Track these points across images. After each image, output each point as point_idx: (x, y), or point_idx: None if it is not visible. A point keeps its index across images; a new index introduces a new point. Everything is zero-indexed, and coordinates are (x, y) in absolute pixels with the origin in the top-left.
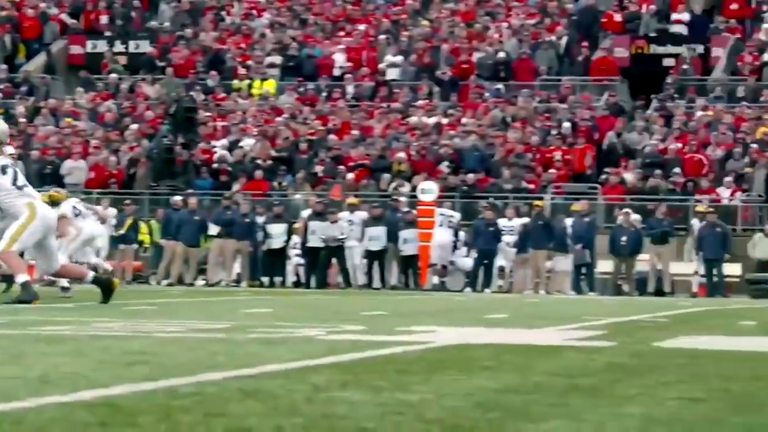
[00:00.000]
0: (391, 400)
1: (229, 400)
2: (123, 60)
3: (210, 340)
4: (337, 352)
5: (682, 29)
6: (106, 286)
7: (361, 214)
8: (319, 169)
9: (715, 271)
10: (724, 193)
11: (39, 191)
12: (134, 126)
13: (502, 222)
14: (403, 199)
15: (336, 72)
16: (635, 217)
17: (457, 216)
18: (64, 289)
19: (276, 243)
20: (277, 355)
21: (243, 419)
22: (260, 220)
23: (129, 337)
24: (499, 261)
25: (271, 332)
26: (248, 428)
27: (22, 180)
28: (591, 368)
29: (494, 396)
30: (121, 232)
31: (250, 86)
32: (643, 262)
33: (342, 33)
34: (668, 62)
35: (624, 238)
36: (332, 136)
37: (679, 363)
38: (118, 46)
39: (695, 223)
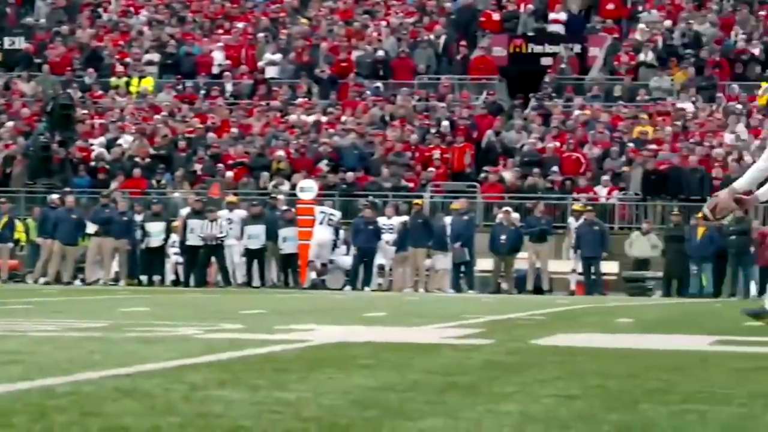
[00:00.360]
0: (269, 399)
1: (106, 399)
2: None
3: (87, 339)
4: (215, 351)
5: (559, 29)
6: None
7: (240, 213)
8: (197, 167)
9: (593, 269)
10: (601, 191)
11: None
12: (10, 123)
13: (381, 220)
14: (281, 197)
15: (215, 70)
16: (515, 215)
17: (338, 214)
18: None
19: (155, 241)
20: (154, 354)
21: (119, 418)
22: (138, 218)
23: (4, 337)
24: (379, 259)
25: (148, 331)
26: (124, 427)
27: None
28: (468, 366)
29: (372, 394)
30: None
31: (128, 84)
32: (521, 261)
33: (220, 31)
34: (546, 61)
35: (503, 237)
36: (211, 134)
37: (556, 360)
38: None
39: (572, 222)
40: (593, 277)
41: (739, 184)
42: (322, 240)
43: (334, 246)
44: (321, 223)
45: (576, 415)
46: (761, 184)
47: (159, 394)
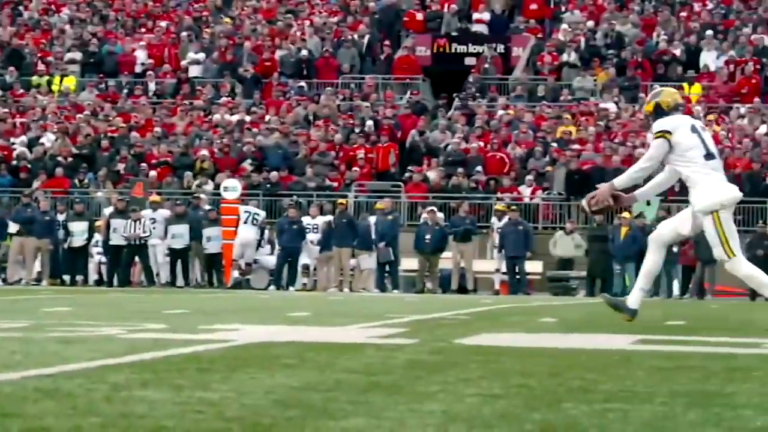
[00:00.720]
0: (192, 399)
1: (26, 399)
2: None
3: (8, 339)
4: (138, 351)
5: (483, 29)
6: None
7: (164, 212)
8: (121, 166)
9: (517, 269)
10: (525, 191)
11: None
12: None
13: (306, 220)
14: (203, 196)
15: (137, 69)
16: (439, 215)
17: (262, 214)
18: None
19: (77, 241)
20: (76, 354)
21: (40, 419)
22: (61, 217)
23: None
24: (303, 259)
25: (71, 331)
26: (45, 428)
27: None
28: (392, 366)
29: (295, 394)
30: None
31: (49, 83)
32: (446, 260)
33: (143, 30)
34: (470, 61)
35: (428, 236)
36: (134, 134)
37: (480, 360)
38: None
39: (495, 222)
40: (517, 276)
41: (619, 181)
42: (246, 239)
43: (259, 245)
44: (245, 223)
45: (499, 415)
46: (647, 180)
47: (81, 395)
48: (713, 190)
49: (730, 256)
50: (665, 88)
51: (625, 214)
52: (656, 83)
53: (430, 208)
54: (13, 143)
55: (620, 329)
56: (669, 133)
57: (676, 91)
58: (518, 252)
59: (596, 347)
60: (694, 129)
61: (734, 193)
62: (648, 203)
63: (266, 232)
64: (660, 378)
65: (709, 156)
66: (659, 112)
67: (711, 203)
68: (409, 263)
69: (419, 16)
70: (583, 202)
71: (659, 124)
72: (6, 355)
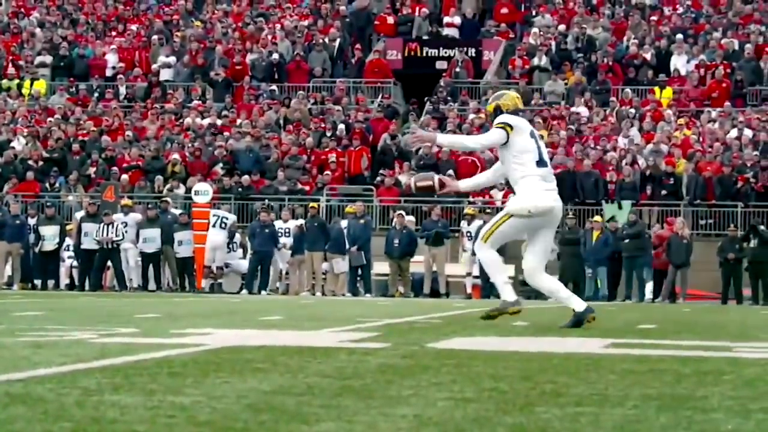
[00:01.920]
0: (163, 403)
1: None
2: None
3: None
4: (110, 356)
5: (454, 32)
6: None
7: (136, 216)
8: (91, 170)
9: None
10: (497, 195)
11: None
12: None
13: (277, 224)
14: (170, 200)
15: (108, 72)
16: (409, 218)
17: (231, 217)
18: None
19: (48, 245)
20: (47, 358)
21: (11, 424)
22: (32, 221)
23: None
24: (275, 263)
25: (41, 335)
26: None
27: None
28: (364, 369)
29: (266, 398)
30: None
31: (19, 86)
32: (418, 264)
33: (114, 33)
34: (441, 65)
35: (397, 240)
36: (105, 137)
37: (452, 364)
38: None
39: (464, 225)
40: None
41: (444, 138)
42: (215, 243)
43: (229, 249)
44: (214, 226)
45: (471, 418)
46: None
47: (52, 400)
48: (530, 196)
49: (483, 240)
50: (508, 92)
51: (597, 218)
52: (627, 87)
53: (398, 212)
54: None
55: (592, 333)
56: (511, 128)
57: (517, 96)
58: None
59: (568, 351)
60: (532, 134)
61: (548, 203)
62: (620, 207)
63: (237, 235)
64: (631, 381)
65: (541, 163)
66: (498, 113)
67: (521, 208)
68: (381, 267)
69: (390, 19)
70: (411, 180)
71: (504, 117)
72: None
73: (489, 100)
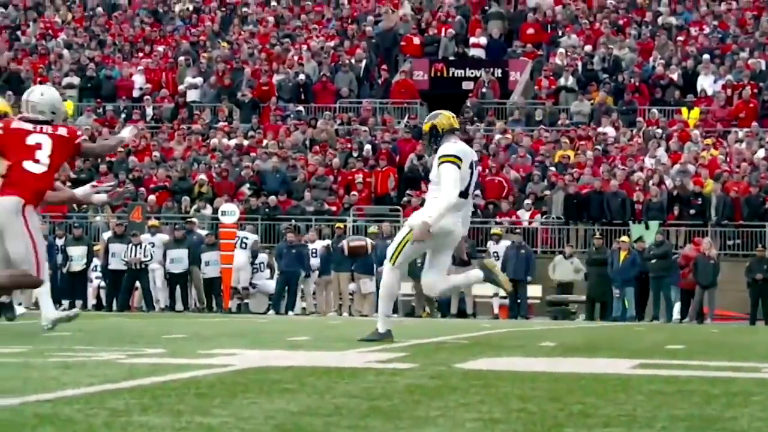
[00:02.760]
0: (191, 424)
1: (25, 425)
2: None
3: (6, 365)
4: (137, 376)
5: (480, 53)
6: None
7: (163, 237)
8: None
9: (518, 293)
10: (524, 215)
11: None
12: None
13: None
14: (196, 221)
15: (135, 93)
16: None
17: (252, 237)
18: None
19: (76, 265)
20: (75, 379)
21: None
22: (60, 242)
23: None
24: (302, 283)
25: (70, 356)
26: None
27: None
28: (391, 390)
29: (294, 419)
30: None
31: None
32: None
33: (141, 54)
34: (467, 85)
35: (419, 261)
36: (132, 158)
37: (480, 384)
38: None
39: (491, 245)
40: (518, 300)
41: (434, 220)
42: (238, 263)
43: (254, 269)
44: (236, 247)
45: None
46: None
47: (80, 420)
48: (431, 218)
49: (392, 262)
50: (444, 111)
51: (624, 239)
52: (654, 107)
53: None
54: None
55: (620, 353)
56: (459, 159)
57: (453, 116)
58: (520, 276)
59: (596, 371)
60: (471, 165)
61: (450, 228)
62: (647, 227)
63: (264, 255)
64: (660, 402)
65: (464, 194)
66: (434, 133)
67: (421, 224)
68: (407, 287)
69: (416, 40)
70: (344, 242)
71: (453, 149)
72: (4, 381)
73: (426, 120)
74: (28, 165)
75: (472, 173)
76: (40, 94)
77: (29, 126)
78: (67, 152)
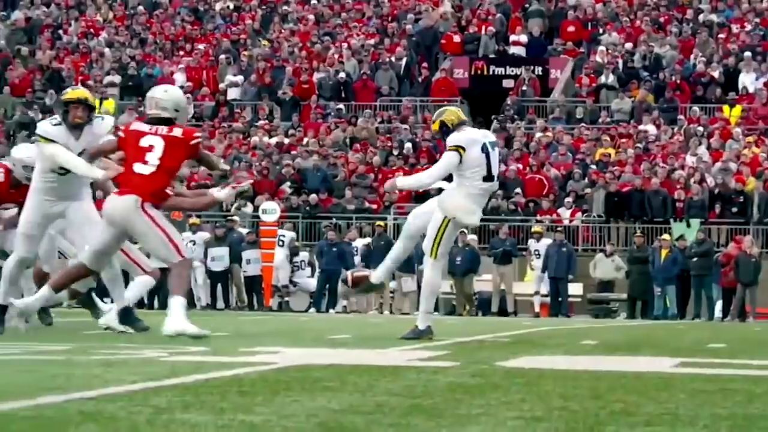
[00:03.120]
0: (234, 422)
1: (69, 423)
2: None
3: (50, 362)
4: (180, 374)
5: (520, 51)
6: None
7: (204, 235)
8: None
9: (559, 290)
10: (564, 213)
11: None
12: None
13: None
14: (238, 219)
15: None
16: (471, 237)
17: (289, 235)
18: None
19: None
20: (118, 376)
21: None
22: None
23: None
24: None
25: (113, 354)
26: None
27: None
28: (433, 388)
29: (336, 416)
30: None
31: None
32: (486, 282)
33: (182, 53)
34: (507, 83)
35: (459, 258)
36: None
37: (521, 382)
38: None
39: (532, 243)
40: (559, 299)
41: (403, 182)
42: (276, 261)
43: (294, 266)
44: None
45: None
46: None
47: (123, 418)
48: (462, 207)
49: (433, 256)
50: (449, 107)
51: (665, 237)
52: (695, 105)
53: (461, 230)
54: None
55: (662, 352)
56: (463, 149)
57: (458, 110)
58: (562, 274)
59: (637, 370)
60: (483, 148)
61: (472, 220)
62: (688, 225)
63: (303, 253)
64: (702, 401)
65: (488, 178)
66: (445, 129)
67: (450, 212)
68: (447, 285)
69: (457, 38)
70: (348, 274)
71: (455, 138)
72: (48, 378)
73: (433, 118)
74: (138, 167)
75: (488, 155)
76: (163, 91)
77: (146, 128)
78: (181, 154)
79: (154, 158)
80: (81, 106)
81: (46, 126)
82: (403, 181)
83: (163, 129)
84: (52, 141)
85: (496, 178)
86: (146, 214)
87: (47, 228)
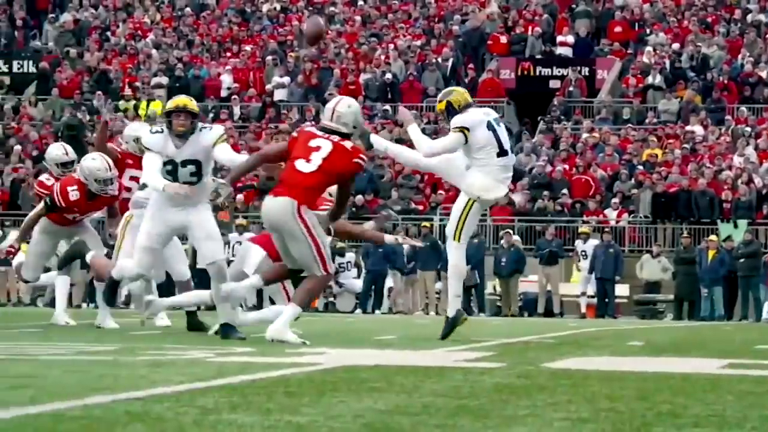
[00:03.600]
0: (280, 423)
1: (116, 423)
2: (6, 80)
3: (97, 363)
4: (227, 375)
5: (567, 51)
6: None
7: (250, 236)
8: None
9: (606, 291)
10: (611, 214)
11: None
12: (18, 147)
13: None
14: None
15: (223, 93)
16: (515, 237)
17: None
18: None
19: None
20: (165, 377)
21: None
22: None
23: (15, 360)
24: (389, 282)
25: (160, 354)
26: None
27: None
28: (479, 389)
29: (382, 417)
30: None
31: (136, 107)
32: (532, 284)
33: (228, 54)
34: (554, 84)
35: (504, 259)
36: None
37: (567, 383)
38: (1, 67)
39: (579, 244)
40: (606, 300)
41: (415, 139)
42: None
43: (343, 268)
44: None
45: None
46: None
47: (170, 418)
48: (483, 185)
49: (456, 239)
50: (457, 88)
51: (712, 237)
52: (742, 105)
53: (506, 231)
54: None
55: (709, 353)
56: (467, 129)
57: (465, 92)
58: (609, 274)
59: (684, 371)
60: (489, 126)
61: (497, 194)
62: (735, 226)
63: (349, 254)
64: (750, 402)
65: (501, 153)
66: (450, 110)
67: (473, 193)
68: (492, 286)
69: (503, 39)
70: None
71: (460, 120)
72: (96, 379)
73: (439, 97)
74: (299, 163)
75: (495, 131)
76: (347, 106)
77: (320, 133)
78: (343, 163)
79: (318, 158)
80: (182, 113)
81: (146, 134)
82: (412, 129)
83: (336, 137)
84: (149, 150)
85: (510, 151)
86: (302, 220)
87: (170, 240)
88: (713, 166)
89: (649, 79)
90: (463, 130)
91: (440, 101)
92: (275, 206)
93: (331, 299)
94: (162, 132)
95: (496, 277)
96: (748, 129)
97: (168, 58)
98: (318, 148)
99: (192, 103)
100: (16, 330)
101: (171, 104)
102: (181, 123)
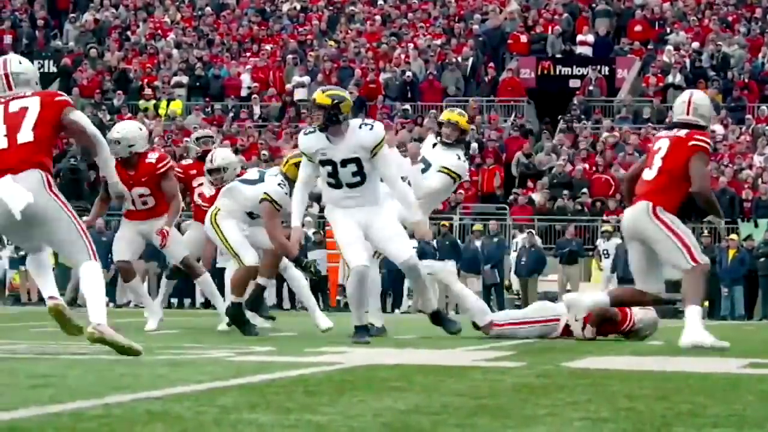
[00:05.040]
0: (300, 422)
1: (136, 422)
2: None
3: (117, 362)
4: (246, 374)
5: (587, 51)
6: None
7: None
8: None
9: None
10: None
11: None
12: None
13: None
14: (309, 219)
15: (243, 92)
16: (535, 237)
17: None
18: None
19: None
20: (184, 376)
21: None
22: None
23: (35, 360)
24: (408, 282)
25: (179, 354)
26: None
27: None
28: (499, 388)
29: (402, 417)
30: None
31: (156, 106)
32: (551, 283)
33: (249, 53)
34: (574, 83)
35: (524, 259)
36: (240, 157)
37: (587, 383)
38: None
39: (600, 243)
40: None
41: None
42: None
43: None
44: None
45: None
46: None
47: (190, 418)
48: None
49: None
50: (461, 111)
51: (733, 236)
52: (763, 104)
53: (528, 231)
54: None
55: (729, 353)
56: (459, 177)
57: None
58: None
59: (704, 371)
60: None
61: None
62: (756, 225)
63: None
64: None
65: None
66: (453, 132)
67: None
68: (513, 286)
69: (523, 38)
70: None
71: (462, 168)
72: (115, 378)
73: (449, 111)
74: (645, 173)
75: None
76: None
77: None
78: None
79: (658, 159)
80: (319, 110)
81: (301, 137)
82: (417, 211)
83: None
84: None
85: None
86: (659, 219)
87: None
88: (733, 165)
89: (670, 78)
90: (455, 177)
91: (451, 112)
92: (630, 214)
93: None
94: (314, 131)
95: (516, 276)
96: None
97: (188, 57)
98: (658, 150)
99: (327, 100)
100: (36, 329)
101: (314, 99)
102: (316, 119)
